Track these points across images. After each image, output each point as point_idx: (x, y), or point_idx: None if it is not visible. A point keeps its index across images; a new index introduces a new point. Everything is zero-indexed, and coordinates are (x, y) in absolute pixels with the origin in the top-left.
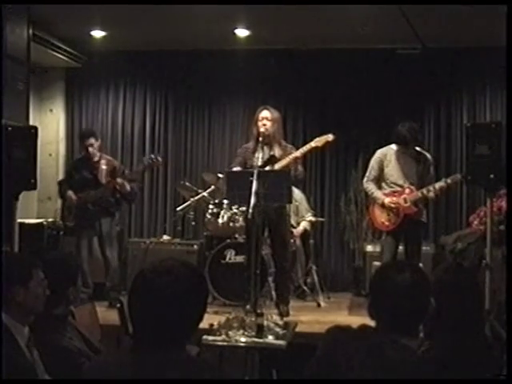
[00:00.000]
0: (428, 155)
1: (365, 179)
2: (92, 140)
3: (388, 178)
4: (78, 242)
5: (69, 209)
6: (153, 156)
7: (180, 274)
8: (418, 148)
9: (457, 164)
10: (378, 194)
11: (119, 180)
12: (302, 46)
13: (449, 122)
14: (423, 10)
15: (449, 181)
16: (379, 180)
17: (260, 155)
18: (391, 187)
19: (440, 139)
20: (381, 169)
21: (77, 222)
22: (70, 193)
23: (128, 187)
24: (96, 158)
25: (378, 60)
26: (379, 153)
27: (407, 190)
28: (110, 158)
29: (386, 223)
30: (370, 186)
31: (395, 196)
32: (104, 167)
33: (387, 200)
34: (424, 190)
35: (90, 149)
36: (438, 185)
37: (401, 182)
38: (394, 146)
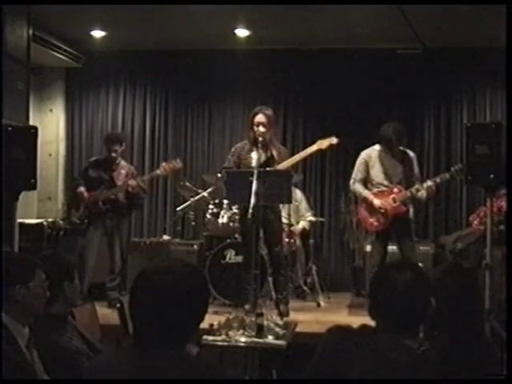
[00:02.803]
0: (411, 153)
1: (351, 181)
2: (118, 146)
3: (373, 178)
4: (84, 240)
5: (77, 205)
6: (173, 161)
7: (181, 273)
8: (401, 147)
9: (457, 164)
10: (366, 193)
11: (132, 182)
12: (302, 46)
13: (449, 121)
14: (423, 9)
15: (437, 180)
16: (366, 181)
17: (256, 156)
18: (377, 187)
19: (440, 139)
20: (366, 170)
21: (84, 220)
22: (82, 189)
23: (140, 190)
24: (117, 162)
25: (378, 60)
26: (364, 154)
27: (395, 190)
28: (129, 165)
29: (375, 223)
30: (358, 187)
31: (384, 196)
32: (123, 171)
33: (376, 201)
34: (413, 190)
35: (114, 154)
36: (426, 184)
37: (386, 182)
38: (377, 147)
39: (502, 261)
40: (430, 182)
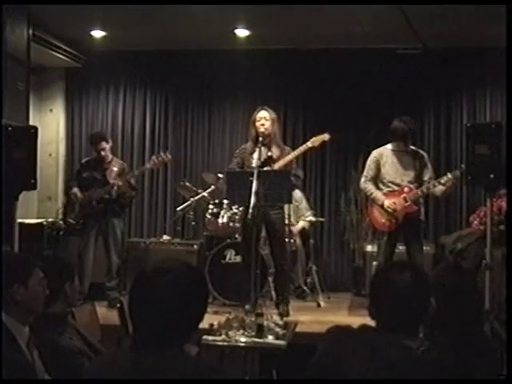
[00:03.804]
0: (423, 153)
1: (362, 179)
2: (103, 144)
3: (385, 177)
4: (81, 241)
5: (72, 206)
6: (162, 154)
7: (181, 273)
8: (412, 147)
9: (457, 164)
10: (377, 194)
11: (118, 182)
12: (302, 46)
13: (449, 121)
14: (423, 9)
15: (450, 176)
16: (376, 180)
17: (257, 156)
18: (388, 187)
19: (440, 139)
20: (377, 169)
21: (80, 221)
22: (76, 190)
23: (127, 189)
24: (108, 160)
25: (378, 60)
26: (375, 153)
27: (406, 189)
28: (121, 162)
29: (387, 223)
30: (369, 187)
31: (395, 196)
32: (115, 169)
33: (387, 202)
34: (424, 188)
35: (103, 152)
36: (445, 178)
37: (398, 181)
38: (389, 146)
39: (501, 261)
40: (449, 175)
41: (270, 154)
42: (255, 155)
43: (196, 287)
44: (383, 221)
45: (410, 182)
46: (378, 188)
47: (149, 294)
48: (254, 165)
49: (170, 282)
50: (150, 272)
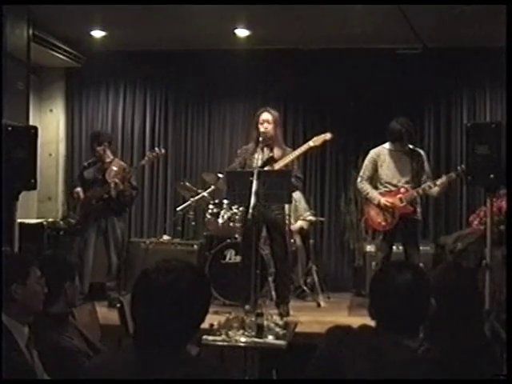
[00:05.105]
0: (421, 151)
1: (359, 179)
2: (95, 145)
3: (382, 177)
4: (81, 240)
5: (74, 206)
6: (156, 149)
7: (183, 274)
8: (410, 145)
9: (457, 164)
10: (373, 193)
11: (115, 179)
12: (302, 46)
13: (449, 121)
14: (423, 9)
15: (445, 179)
16: (373, 180)
17: (259, 156)
18: (386, 187)
19: (440, 139)
20: (374, 169)
21: (80, 220)
22: (78, 190)
23: (121, 187)
24: (108, 160)
25: (378, 60)
26: (372, 153)
27: (402, 190)
28: (122, 162)
29: (383, 223)
30: (365, 186)
31: (391, 196)
32: (115, 168)
33: (383, 200)
34: (420, 190)
35: (97, 153)
36: (440, 180)
37: (395, 181)
38: (386, 145)
39: (502, 261)
40: (444, 178)
41: (271, 154)
42: (257, 155)
43: (198, 287)
44: (379, 220)
45: (406, 183)
46: (376, 188)
47: (151, 294)
48: (254, 165)
49: (173, 282)
50: (153, 272)
